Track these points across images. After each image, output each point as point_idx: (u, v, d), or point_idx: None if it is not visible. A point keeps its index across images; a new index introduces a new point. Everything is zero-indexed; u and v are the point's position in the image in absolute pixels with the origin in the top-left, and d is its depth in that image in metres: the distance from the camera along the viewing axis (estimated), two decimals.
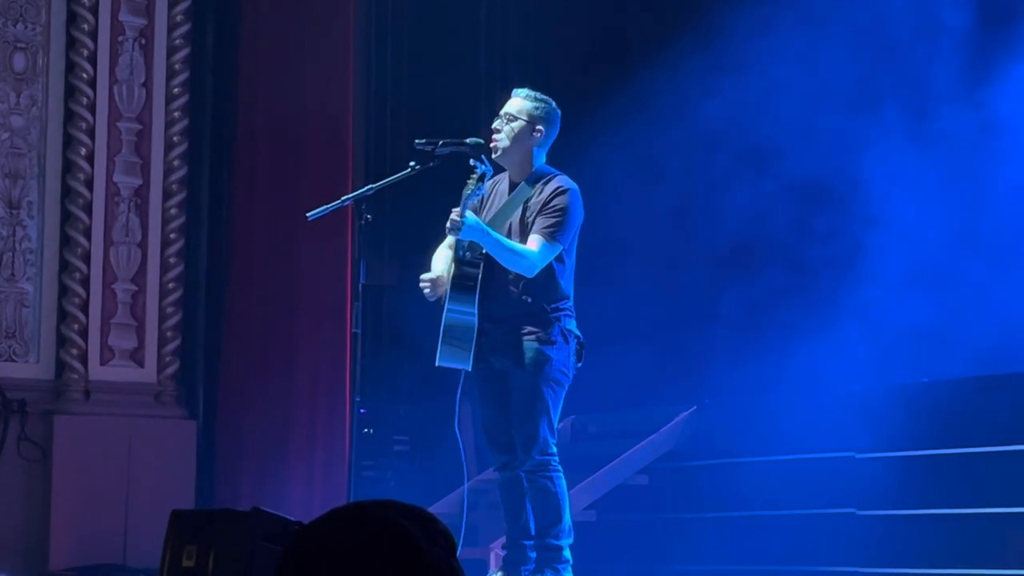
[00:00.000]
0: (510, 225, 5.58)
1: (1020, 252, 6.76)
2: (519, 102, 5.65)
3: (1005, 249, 6.81)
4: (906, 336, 6.85)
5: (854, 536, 6.60)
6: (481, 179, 5.44)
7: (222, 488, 8.14)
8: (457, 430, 5.66)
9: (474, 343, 5.47)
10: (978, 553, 6.10)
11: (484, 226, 5.41)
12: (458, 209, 5.37)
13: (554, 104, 5.67)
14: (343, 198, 5.76)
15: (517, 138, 5.60)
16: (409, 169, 5.64)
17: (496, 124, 5.62)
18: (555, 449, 5.57)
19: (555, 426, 5.58)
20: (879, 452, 6.62)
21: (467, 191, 5.42)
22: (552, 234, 5.47)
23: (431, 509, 2.05)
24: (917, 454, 6.47)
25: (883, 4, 7.33)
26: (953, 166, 6.99)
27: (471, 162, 5.52)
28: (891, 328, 6.90)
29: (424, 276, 5.62)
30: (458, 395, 5.66)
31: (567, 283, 5.61)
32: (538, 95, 5.66)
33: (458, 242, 5.50)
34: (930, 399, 6.53)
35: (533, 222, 5.52)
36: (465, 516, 5.68)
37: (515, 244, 5.49)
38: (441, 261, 5.71)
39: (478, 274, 5.48)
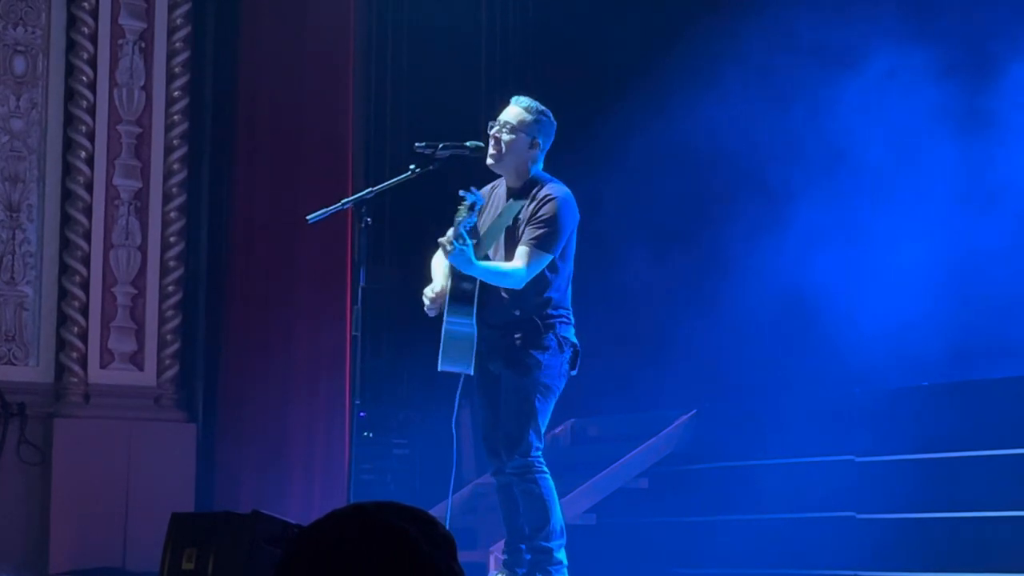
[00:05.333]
0: (503, 235, 5.60)
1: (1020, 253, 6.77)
2: (519, 112, 5.63)
3: (1006, 250, 6.81)
4: (906, 339, 6.85)
5: (853, 540, 6.60)
6: (471, 208, 5.44)
7: (222, 491, 8.14)
8: (454, 429, 5.66)
9: (475, 350, 5.49)
10: (977, 557, 6.09)
11: (471, 257, 5.39)
12: (450, 234, 5.38)
13: (551, 115, 5.69)
14: (343, 201, 5.76)
15: (515, 150, 5.60)
16: (409, 172, 5.64)
17: (495, 131, 5.61)
18: (539, 453, 5.55)
19: (542, 431, 5.57)
20: (879, 456, 6.62)
21: (459, 217, 5.41)
22: (539, 244, 5.48)
23: (431, 512, 2.05)
24: (917, 457, 6.47)
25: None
26: (952, 164, 7.00)
27: (460, 192, 5.52)
28: (891, 330, 6.91)
29: (427, 292, 5.63)
30: (457, 394, 5.66)
31: (561, 292, 5.60)
32: (537, 106, 5.65)
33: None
34: (929, 403, 6.53)
35: (523, 232, 5.53)
36: (450, 515, 5.69)
37: (499, 266, 5.51)
38: (440, 268, 5.71)
39: (474, 288, 5.50)
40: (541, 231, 5.49)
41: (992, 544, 6.06)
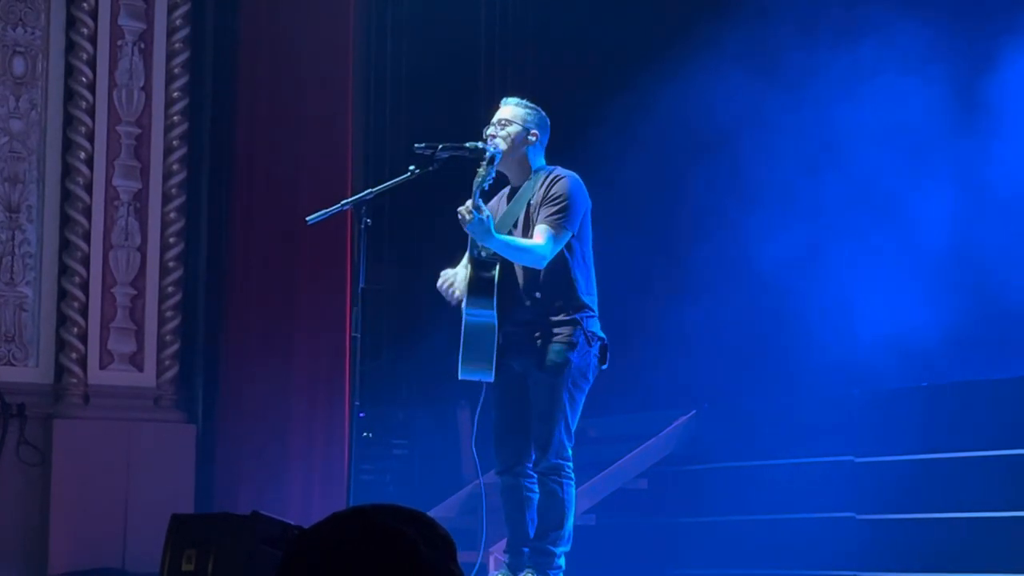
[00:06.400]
0: (518, 225, 5.60)
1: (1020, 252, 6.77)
2: (512, 109, 5.69)
3: (1007, 248, 6.81)
4: (906, 339, 6.85)
5: (853, 540, 6.60)
6: (491, 161, 5.41)
7: (221, 492, 8.13)
8: (474, 450, 5.65)
9: (495, 349, 5.46)
10: (977, 557, 6.10)
11: (490, 227, 5.37)
12: (470, 202, 5.34)
13: (542, 111, 5.72)
14: (342, 202, 5.76)
15: (514, 143, 5.63)
16: (408, 173, 5.64)
17: (490, 131, 5.63)
18: (571, 454, 5.55)
19: (572, 430, 5.57)
20: (878, 456, 6.62)
21: (477, 179, 5.39)
22: (557, 221, 5.49)
23: (430, 513, 2.05)
24: (916, 458, 6.47)
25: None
26: (952, 160, 7.01)
27: (479, 144, 5.52)
28: (891, 330, 6.91)
29: (442, 282, 5.62)
30: (477, 414, 5.63)
31: (585, 276, 5.59)
32: (527, 102, 5.71)
33: (472, 241, 5.49)
34: (929, 403, 6.53)
35: (538, 214, 5.54)
36: (485, 527, 5.69)
37: (520, 241, 5.50)
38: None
39: (494, 275, 5.47)
40: (556, 207, 5.51)
41: (992, 544, 6.06)
